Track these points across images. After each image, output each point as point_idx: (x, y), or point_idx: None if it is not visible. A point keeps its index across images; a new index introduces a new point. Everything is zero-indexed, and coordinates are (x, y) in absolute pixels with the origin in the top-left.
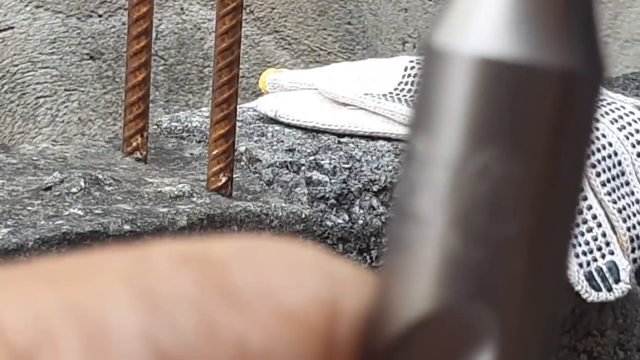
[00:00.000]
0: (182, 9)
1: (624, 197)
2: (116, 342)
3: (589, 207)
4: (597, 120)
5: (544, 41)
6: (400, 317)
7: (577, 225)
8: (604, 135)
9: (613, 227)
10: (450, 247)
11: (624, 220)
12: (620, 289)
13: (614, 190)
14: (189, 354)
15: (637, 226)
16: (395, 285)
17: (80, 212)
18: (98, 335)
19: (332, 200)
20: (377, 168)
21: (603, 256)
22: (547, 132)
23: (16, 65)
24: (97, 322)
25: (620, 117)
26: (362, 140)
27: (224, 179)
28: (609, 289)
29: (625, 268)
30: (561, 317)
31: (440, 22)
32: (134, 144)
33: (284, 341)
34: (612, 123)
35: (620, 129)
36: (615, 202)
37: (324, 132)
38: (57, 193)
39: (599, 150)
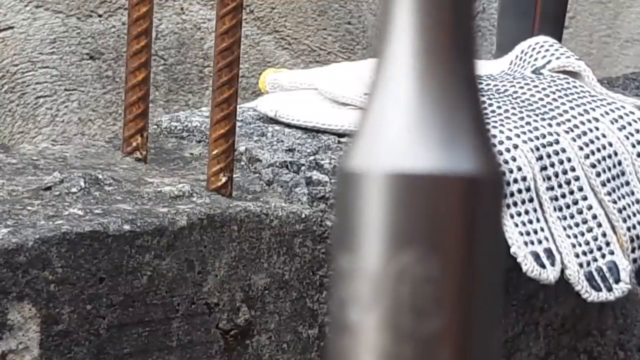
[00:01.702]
0: (182, 9)
1: (624, 197)
2: None
3: (589, 207)
4: (502, 218)
5: (446, 152)
6: None
7: (577, 226)
8: (604, 135)
9: (613, 227)
10: (382, 349)
11: (624, 220)
12: (620, 289)
13: (614, 190)
14: None
15: (637, 226)
16: None
17: (80, 212)
18: None
19: (332, 200)
20: None
21: (603, 256)
22: (458, 232)
23: (16, 65)
24: None
25: (620, 117)
26: None
27: (224, 179)
28: (609, 289)
29: (625, 268)
30: None
31: (351, 148)
32: (134, 144)
33: None
34: (612, 123)
35: (620, 129)
36: (615, 202)
37: (324, 132)
38: (57, 193)
39: (599, 150)
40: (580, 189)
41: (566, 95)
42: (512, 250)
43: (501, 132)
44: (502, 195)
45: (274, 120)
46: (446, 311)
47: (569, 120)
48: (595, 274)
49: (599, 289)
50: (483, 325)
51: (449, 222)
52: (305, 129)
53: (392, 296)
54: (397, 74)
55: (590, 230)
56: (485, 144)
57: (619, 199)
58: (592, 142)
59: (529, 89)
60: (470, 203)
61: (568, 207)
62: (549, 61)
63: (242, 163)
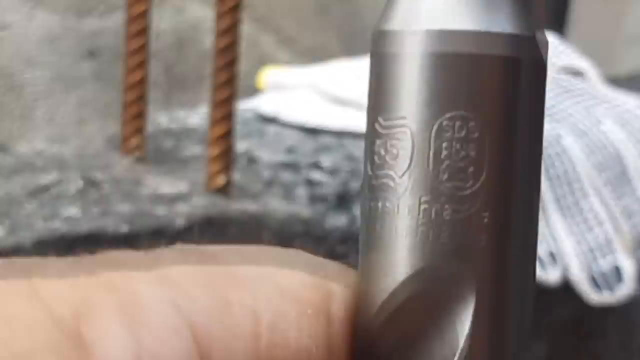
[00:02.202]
0: (181, 8)
1: (626, 197)
2: (150, 311)
3: (592, 207)
4: (544, 92)
5: (488, 12)
6: (385, 286)
7: (579, 226)
8: (606, 135)
9: (616, 228)
10: (417, 210)
11: (627, 221)
12: (622, 289)
13: (616, 190)
14: (212, 325)
15: None
16: (377, 259)
17: (77, 213)
18: (133, 305)
19: (332, 201)
20: None
21: (606, 257)
22: (499, 93)
23: (13, 65)
24: (130, 294)
25: (623, 116)
26: (362, 140)
27: (223, 180)
28: (612, 290)
29: (628, 268)
30: (534, 270)
31: (389, 8)
32: (133, 144)
33: (289, 317)
34: (615, 123)
35: (622, 127)
36: (617, 202)
37: (324, 132)
38: (55, 193)
39: (601, 150)
40: (583, 189)
41: (569, 93)
42: None
43: None
44: (546, 57)
45: (274, 120)
46: (487, 173)
47: (572, 119)
48: (597, 274)
49: (601, 290)
50: (520, 189)
51: (490, 83)
52: (305, 129)
53: (433, 157)
54: None
55: (591, 230)
56: (527, 7)
57: (621, 198)
58: (596, 141)
59: None
60: (511, 65)
61: (570, 207)
62: (552, 60)
63: (242, 163)
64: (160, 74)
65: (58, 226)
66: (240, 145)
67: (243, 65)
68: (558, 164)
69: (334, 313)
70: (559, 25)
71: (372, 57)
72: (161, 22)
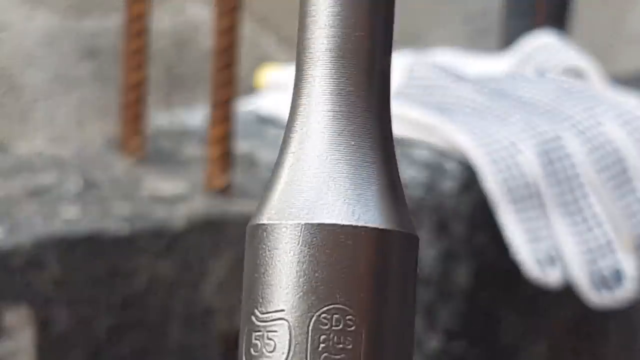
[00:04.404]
0: (181, 8)
1: (627, 196)
2: None
3: (592, 206)
4: (416, 273)
5: (358, 206)
6: None
7: (580, 224)
8: (607, 134)
9: (617, 227)
10: None
11: (627, 219)
12: (623, 290)
13: (617, 188)
14: None
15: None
16: None
17: (77, 214)
18: None
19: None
20: None
21: (606, 256)
22: (370, 285)
23: (13, 65)
24: None
25: (624, 116)
26: None
27: (223, 180)
28: (612, 290)
29: (628, 268)
30: None
31: (264, 201)
32: (132, 144)
33: None
34: (615, 122)
35: (623, 128)
36: (618, 201)
37: None
38: (54, 194)
39: (602, 148)
40: (584, 188)
41: (570, 94)
42: (514, 251)
43: (505, 132)
44: (415, 249)
45: (273, 121)
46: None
47: (572, 119)
48: (598, 274)
49: (602, 290)
50: None
51: (366, 277)
52: None
53: (309, 350)
54: (312, 132)
55: (591, 229)
56: (396, 200)
57: (622, 197)
58: (595, 140)
59: (533, 89)
60: (381, 256)
61: (571, 205)
62: (553, 60)
63: (242, 163)
64: (159, 74)
65: (58, 227)
66: (240, 146)
67: (243, 66)
68: (557, 163)
69: None
70: (560, 24)
71: (247, 250)
72: (160, 22)
